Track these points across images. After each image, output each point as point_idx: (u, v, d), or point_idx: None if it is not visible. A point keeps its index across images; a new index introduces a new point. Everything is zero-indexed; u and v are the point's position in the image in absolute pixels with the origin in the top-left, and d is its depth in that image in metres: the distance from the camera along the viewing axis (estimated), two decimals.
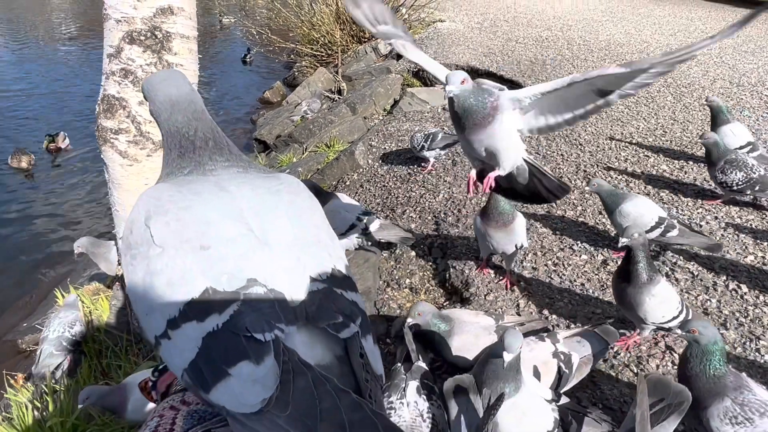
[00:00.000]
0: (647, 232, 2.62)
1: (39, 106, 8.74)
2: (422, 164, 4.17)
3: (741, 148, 3.48)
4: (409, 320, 2.01)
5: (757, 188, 3.09)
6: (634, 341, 2.24)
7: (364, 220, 2.85)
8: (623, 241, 2.05)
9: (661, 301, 2.07)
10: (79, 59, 11.50)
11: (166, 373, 0.86)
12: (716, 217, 3.16)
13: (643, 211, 2.68)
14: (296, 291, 0.66)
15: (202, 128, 0.78)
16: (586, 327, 2.17)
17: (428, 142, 3.94)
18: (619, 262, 2.19)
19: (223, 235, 0.67)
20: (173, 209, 0.70)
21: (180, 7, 2.30)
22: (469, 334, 2.01)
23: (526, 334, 2.00)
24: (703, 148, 3.33)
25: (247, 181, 0.76)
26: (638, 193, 3.47)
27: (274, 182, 0.77)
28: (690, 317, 2.14)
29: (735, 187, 3.12)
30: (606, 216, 2.92)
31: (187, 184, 0.74)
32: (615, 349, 2.26)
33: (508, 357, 1.51)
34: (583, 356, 1.98)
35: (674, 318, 2.10)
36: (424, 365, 1.81)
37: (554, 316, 2.47)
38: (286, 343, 0.62)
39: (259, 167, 0.82)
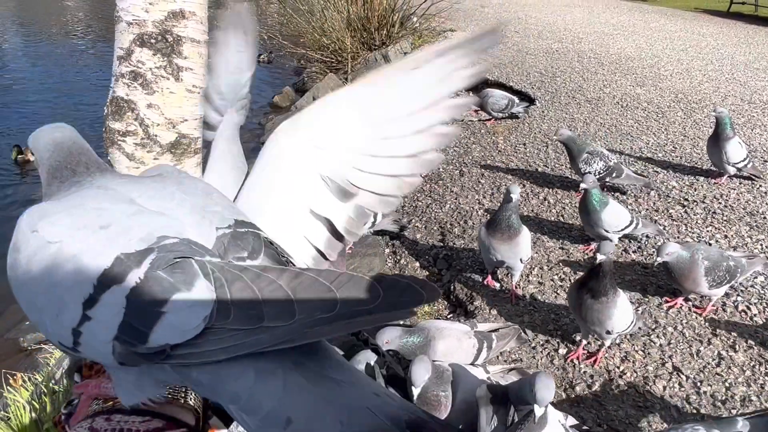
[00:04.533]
0: (626, 227, 2.88)
1: (46, 104, 8.80)
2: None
3: (742, 161, 3.66)
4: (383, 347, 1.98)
5: (614, 174, 3.50)
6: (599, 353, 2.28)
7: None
8: (601, 257, 2.07)
9: (625, 311, 2.12)
10: (91, 60, 11.58)
11: (78, 407, 0.82)
12: (726, 236, 3.12)
13: (624, 209, 2.97)
14: (206, 240, 0.67)
15: (85, 161, 0.78)
16: (515, 367, 2.14)
17: None
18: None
19: (121, 214, 0.66)
20: (60, 210, 0.68)
21: (192, 12, 2.29)
22: (451, 338, 2.04)
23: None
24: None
25: (127, 179, 0.77)
26: (646, 209, 3.45)
27: (155, 177, 0.78)
28: (640, 325, 2.34)
29: (598, 175, 3.45)
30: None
31: (67, 196, 0.73)
32: (621, 369, 2.22)
33: (539, 412, 1.39)
34: None
35: (628, 326, 2.17)
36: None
37: (559, 333, 2.44)
38: None
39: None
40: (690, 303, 2.57)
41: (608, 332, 2.12)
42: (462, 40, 0.83)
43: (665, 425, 1.94)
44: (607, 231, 2.82)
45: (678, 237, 3.13)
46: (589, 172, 3.45)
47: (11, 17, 16.52)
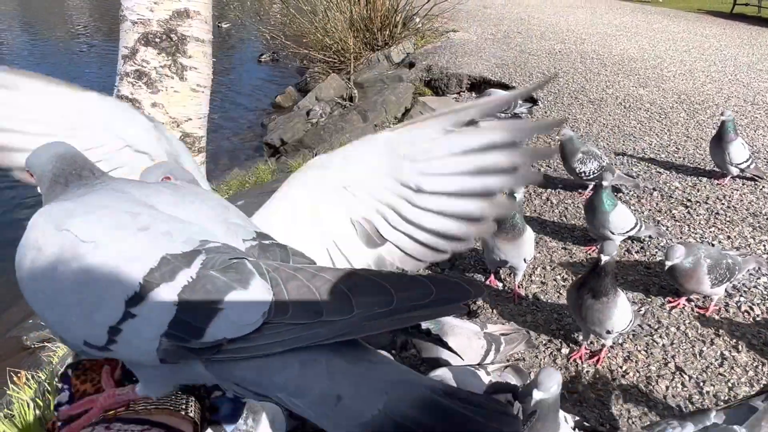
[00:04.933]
0: (631, 229, 2.89)
1: None
2: None
3: (745, 162, 3.67)
4: None
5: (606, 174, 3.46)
6: (598, 353, 2.31)
7: None
8: (605, 258, 2.05)
9: (625, 311, 2.12)
10: (95, 59, 11.61)
11: (85, 417, 0.81)
12: (729, 237, 3.11)
13: (630, 211, 2.97)
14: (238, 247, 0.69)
15: (90, 167, 0.78)
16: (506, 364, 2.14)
17: None
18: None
19: (155, 219, 0.67)
20: (90, 210, 0.67)
21: (196, 11, 2.31)
22: (461, 336, 2.04)
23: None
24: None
25: (138, 184, 0.77)
26: (650, 210, 3.45)
27: (166, 184, 0.79)
28: (638, 323, 2.37)
29: (591, 175, 3.51)
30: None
31: (82, 197, 0.71)
32: (624, 369, 2.22)
33: (537, 395, 1.41)
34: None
35: (627, 325, 2.17)
36: None
37: (562, 333, 2.44)
38: None
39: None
40: (693, 303, 2.57)
41: (608, 332, 2.12)
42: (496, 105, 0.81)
43: None
44: (612, 233, 2.82)
45: (681, 238, 3.13)
46: (584, 171, 3.51)
47: (14, 16, 16.58)
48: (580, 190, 3.73)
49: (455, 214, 0.88)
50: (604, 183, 2.79)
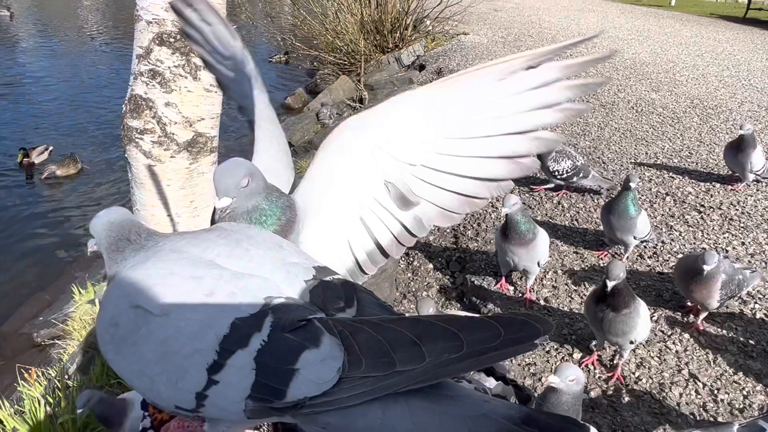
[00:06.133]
0: (647, 234, 2.86)
1: (64, 103, 8.89)
2: None
3: (762, 167, 3.67)
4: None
5: (581, 174, 3.56)
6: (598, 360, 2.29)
7: None
8: (611, 284, 1.98)
9: (646, 319, 2.09)
10: (110, 59, 11.70)
11: None
12: (743, 243, 3.08)
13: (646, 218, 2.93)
14: (301, 295, 0.71)
15: (136, 230, 0.82)
16: None
17: None
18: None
19: (218, 280, 0.69)
20: (156, 282, 0.70)
21: None
22: None
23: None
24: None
25: (192, 238, 0.78)
26: (662, 215, 3.41)
27: (219, 231, 0.80)
28: (652, 326, 2.31)
29: (565, 174, 3.55)
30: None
31: (144, 262, 0.74)
32: (636, 375, 2.20)
33: (553, 380, 1.42)
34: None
35: (648, 333, 2.15)
36: None
37: (573, 337, 2.42)
38: None
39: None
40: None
41: (632, 342, 2.08)
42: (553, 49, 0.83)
43: None
44: (635, 237, 2.79)
45: (694, 243, 3.09)
46: (557, 170, 3.54)
47: (30, 15, 16.76)
48: (591, 195, 3.71)
49: (501, 154, 0.87)
50: (632, 185, 2.72)
